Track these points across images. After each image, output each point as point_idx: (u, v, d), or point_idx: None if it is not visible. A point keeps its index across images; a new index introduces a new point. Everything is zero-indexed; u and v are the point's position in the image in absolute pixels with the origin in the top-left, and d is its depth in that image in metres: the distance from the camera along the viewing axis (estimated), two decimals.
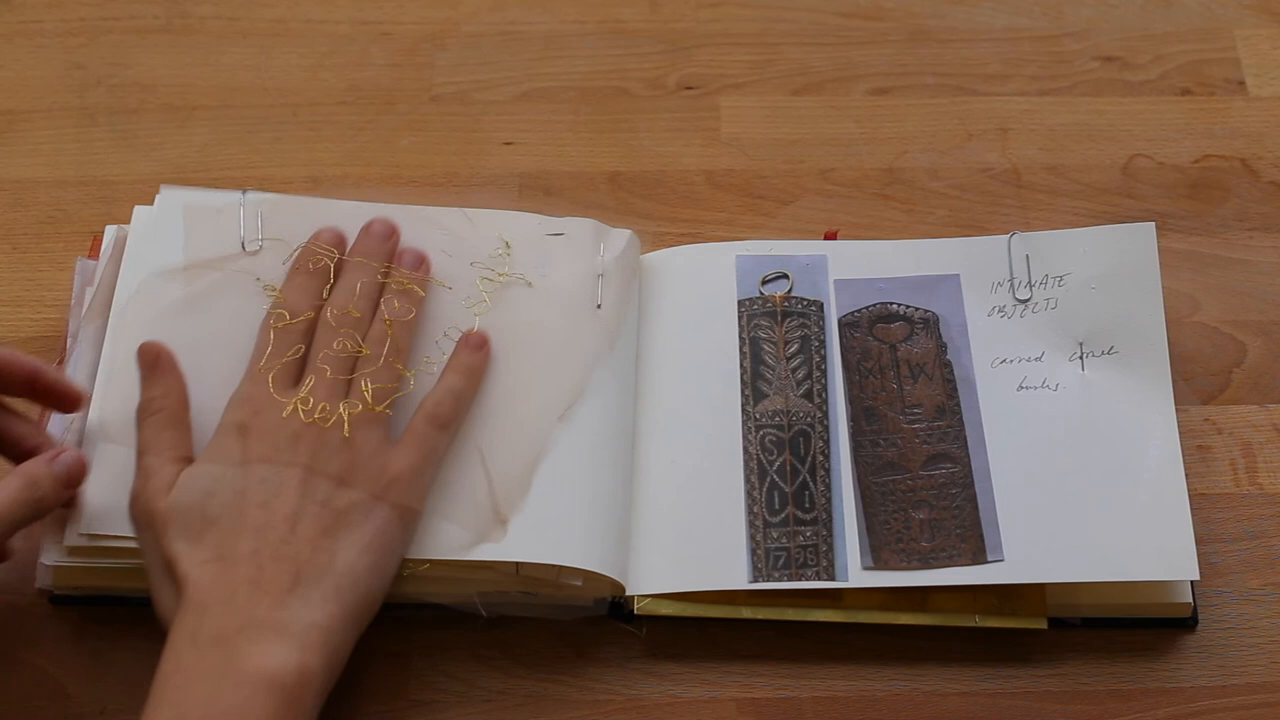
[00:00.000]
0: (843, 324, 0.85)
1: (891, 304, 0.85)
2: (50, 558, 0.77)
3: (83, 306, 0.84)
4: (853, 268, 0.87)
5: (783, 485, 0.80)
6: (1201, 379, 0.86)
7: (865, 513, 0.80)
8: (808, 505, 0.80)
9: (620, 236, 0.87)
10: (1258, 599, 0.80)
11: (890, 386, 0.83)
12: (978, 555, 0.78)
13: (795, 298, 0.86)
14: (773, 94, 0.98)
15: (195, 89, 0.98)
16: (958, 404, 0.82)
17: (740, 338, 0.85)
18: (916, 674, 0.78)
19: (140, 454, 0.75)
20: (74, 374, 0.81)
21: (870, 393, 0.83)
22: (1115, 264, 0.84)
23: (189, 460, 0.75)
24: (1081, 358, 0.83)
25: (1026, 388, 0.83)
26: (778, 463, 0.81)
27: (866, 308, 0.85)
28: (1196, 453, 0.84)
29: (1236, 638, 0.79)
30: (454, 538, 0.77)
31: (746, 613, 0.78)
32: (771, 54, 1.00)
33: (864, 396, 0.83)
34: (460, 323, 0.82)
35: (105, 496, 0.77)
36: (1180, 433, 0.81)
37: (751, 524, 0.79)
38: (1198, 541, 0.77)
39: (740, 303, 0.86)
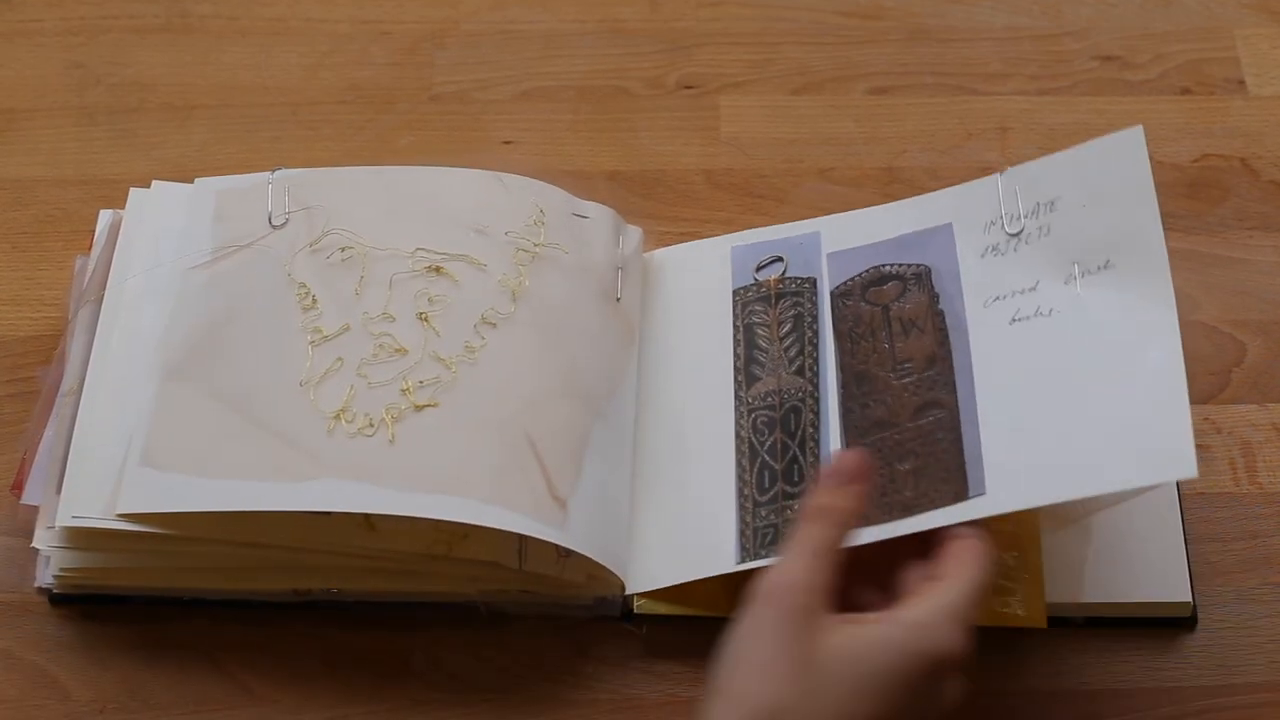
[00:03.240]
0: (835, 295, 0.83)
1: (883, 265, 0.83)
2: (44, 542, 0.76)
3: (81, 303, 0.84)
4: (846, 238, 0.84)
5: (773, 464, 0.79)
6: (1201, 378, 0.86)
7: None
8: (796, 479, 0.79)
9: (634, 233, 0.87)
10: (1257, 598, 0.80)
11: (881, 347, 0.81)
12: (960, 494, 0.75)
13: (790, 278, 0.85)
14: (772, 93, 0.98)
15: (195, 88, 0.98)
16: (949, 350, 0.79)
17: (734, 325, 0.84)
18: None
19: None
20: (70, 358, 0.81)
21: (861, 357, 0.81)
22: (1106, 177, 0.79)
23: None
24: (1076, 278, 0.78)
25: (1019, 320, 0.78)
26: (769, 443, 0.80)
27: (859, 275, 0.83)
28: (1195, 452, 0.84)
29: (1236, 637, 0.79)
30: (508, 521, 0.74)
31: None
32: (771, 53, 1.00)
33: (855, 362, 0.81)
34: (497, 304, 0.81)
35: (87, 482, 0.76)
36: None
37: (741, 506, 0.79)
38: (1196, 541, 0.77)
39: (735, 291, 0.85)
